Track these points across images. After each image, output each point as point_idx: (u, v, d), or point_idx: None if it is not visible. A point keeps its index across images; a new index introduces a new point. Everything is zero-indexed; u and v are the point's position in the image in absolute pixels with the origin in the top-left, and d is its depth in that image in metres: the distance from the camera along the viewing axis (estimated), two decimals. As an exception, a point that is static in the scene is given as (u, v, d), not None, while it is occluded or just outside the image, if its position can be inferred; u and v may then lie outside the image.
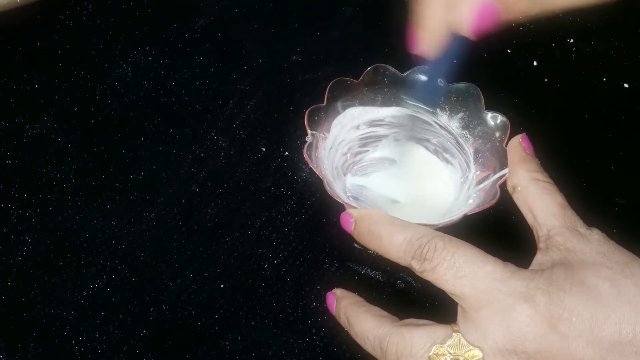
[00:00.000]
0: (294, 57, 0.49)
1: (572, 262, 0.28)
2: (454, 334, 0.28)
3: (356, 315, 0.32)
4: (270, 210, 0.41)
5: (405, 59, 0.42)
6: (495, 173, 0.37)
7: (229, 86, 0.47)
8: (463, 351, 0.28)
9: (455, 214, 0.34)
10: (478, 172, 0.39)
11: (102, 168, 0.42)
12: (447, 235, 0.30)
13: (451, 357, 0.28)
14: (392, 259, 0.31)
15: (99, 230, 0.40)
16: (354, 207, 0.34)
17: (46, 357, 0.35)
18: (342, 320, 0.33)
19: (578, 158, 0.43)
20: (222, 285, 0.38)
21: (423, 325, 0.30)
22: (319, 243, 0.40)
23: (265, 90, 0.47)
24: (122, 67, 0.47)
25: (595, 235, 0.30)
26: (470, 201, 0.37)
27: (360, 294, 0.35)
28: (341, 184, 0.39)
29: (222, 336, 0.36)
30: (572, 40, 0.50)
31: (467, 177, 0.39)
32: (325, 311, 0.37)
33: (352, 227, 0.32)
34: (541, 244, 0.31)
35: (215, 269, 0.39)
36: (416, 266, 0.29)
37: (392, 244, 0.31)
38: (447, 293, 0.29)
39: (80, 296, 0.37)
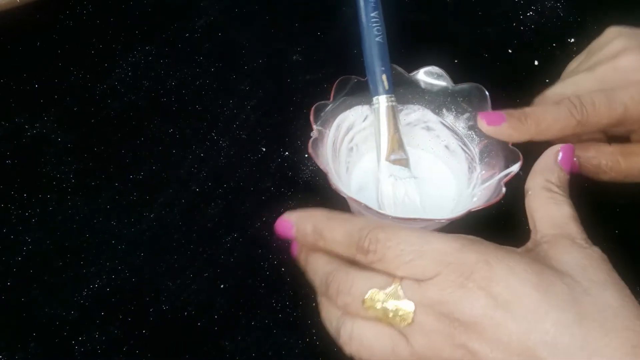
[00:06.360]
0: (294, 58, 0.49)
1: (544, 263, 0.28)
2: (393, 284, 0.28)
3: (312, 256, 0.32)
4: (270, 211, 0.41)
5: (407, 60, 0.42)
6: (500, 172, 0.37)
7: (229, 86, 0.47)
8: (397, 301, 0.28)
9: (460, 211, 0.34)
10: (483, 172, 0.39)
11: (102, 168, 0.42)
12: (387, 224, 0.30)
13: (383, 303, 0.28)
14: (339, 255, 0.31)
15: (99, 230, 0.40)
16: (358, 202, 0.34)
17: (46, 357, 0.35)
18: (302, 262, 0.33)
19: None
20: (222, 286, 0.38)
21: (369, 270, 0.29)
22: (319, 243, 0.40)
23: (265, 91, 0.47)
24: (122, 66, 0.47)
25: (589, 251, 0.29)
26: (475, 199, 0.37)
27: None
28: (345, 181, 0.39)
29: (222, 336, 0.36)
30: (572, 40, 0.51)
31: (472, 176, 0.39)
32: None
33: (293, 230, 0.32)
34: (528, 244, 0.31)
35: (215, 269, 0.39)
36: (362, 259, 0.29)
37: (334, 240, 0.30)
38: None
39: (80, 296, 0.37)
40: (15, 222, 0.40)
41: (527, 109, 0.36)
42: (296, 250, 0.33)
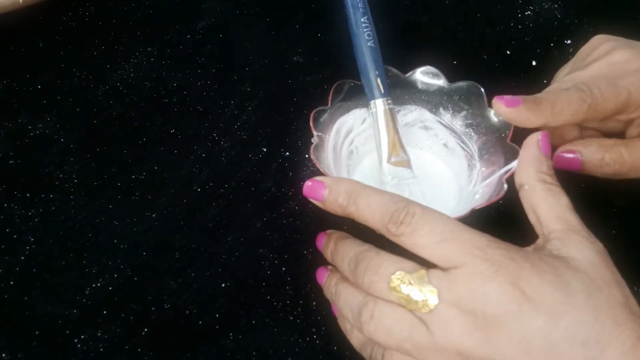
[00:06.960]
0: (295, 59, 0.49)
1: (559, 261, 0.29)
2: (421, 270, 0.29)
3: (343, 240, 0.33)
4: (271, 211, 0.41)
5: (406, 61, 0.42)
6: (500, 168, 0.37)
7: (230, 87, 0.47)
8: (422, 287, 0.28)
9: (463, 210, 0.35)
10: (483, 169, 0.39)
11: (104, 168, 0.42)
12: (423, 204, 0.30)
13: (408, 287, 0.28)
14: (367, 223, 0.31)
15: (101, 230, 0.40)
16: None
17: (48, 355, 0.36)
18: (330, 248, 0.33)
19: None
20: (223, 285, 0.38)
21: (399, 256, 0.30)
22: (320, 243, 0.40)
23: (266, 92, 0.47)
24: (124, 67, 0.47)
25: (595, 247, 0.29)
26: (477, 197, 0.38)
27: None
28: None
29: (223, 335, 0.37)
30: (569, 41, 0.51)
31: (472, 173, 0.40)
32: (325, 310, 0.37)
33: (325, 192, 0.32)
34: (539, 241, 0.31)
35: (216, 268, 0.39)
36: (393, 229, 0.29)
37: (368, 208, 0.30)
38: (424, 258, 0.29)
39: (83, 295, 0.37)
40: (18, 222, 0.40)
41: (539, 94, 0.36)
42: (322, 242, 0.34)
